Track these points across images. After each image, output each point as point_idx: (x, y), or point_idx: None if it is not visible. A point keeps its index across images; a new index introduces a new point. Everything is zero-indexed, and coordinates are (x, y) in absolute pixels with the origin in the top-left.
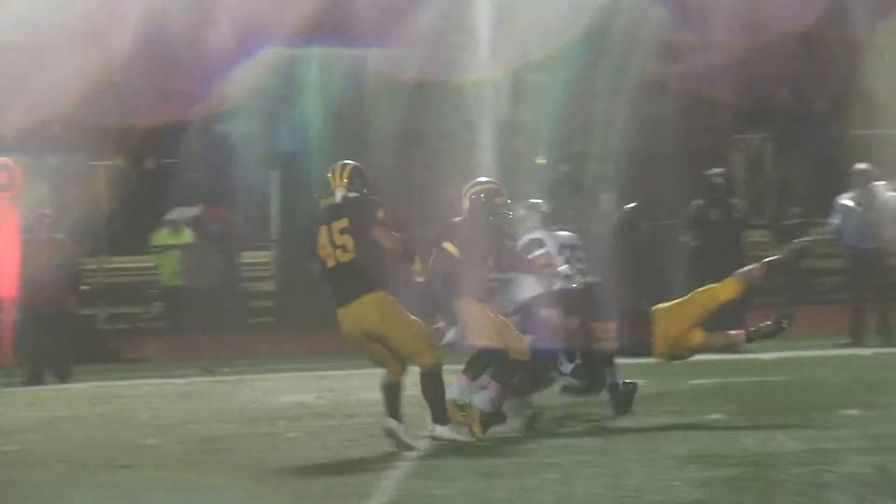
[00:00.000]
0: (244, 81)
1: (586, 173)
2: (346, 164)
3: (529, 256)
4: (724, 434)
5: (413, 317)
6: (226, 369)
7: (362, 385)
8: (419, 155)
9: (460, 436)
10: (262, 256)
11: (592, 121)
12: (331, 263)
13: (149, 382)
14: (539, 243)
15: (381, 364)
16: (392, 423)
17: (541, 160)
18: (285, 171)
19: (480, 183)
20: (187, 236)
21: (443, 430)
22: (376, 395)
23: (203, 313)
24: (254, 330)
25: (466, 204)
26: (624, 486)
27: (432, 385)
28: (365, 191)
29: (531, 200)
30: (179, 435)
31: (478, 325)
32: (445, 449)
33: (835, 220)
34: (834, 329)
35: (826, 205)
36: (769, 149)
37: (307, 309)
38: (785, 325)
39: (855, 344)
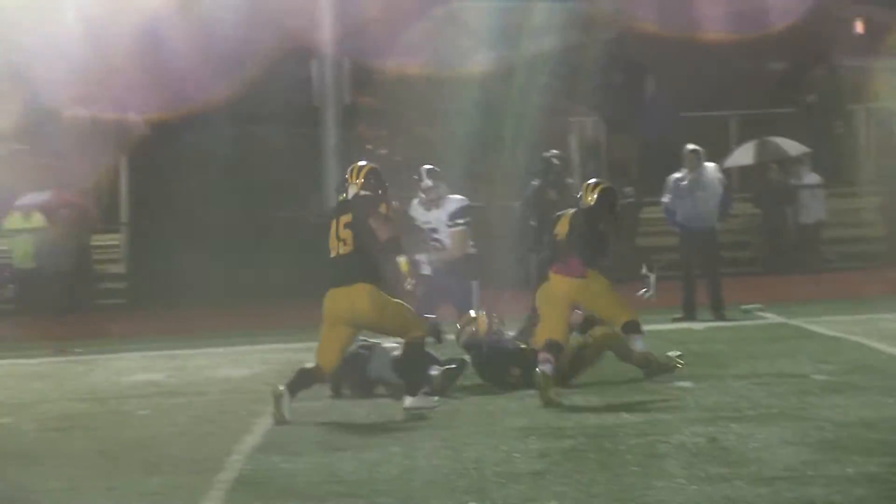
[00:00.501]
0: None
1: (430, 158)
2: (363, 166)
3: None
4: (561, 407)
5: (396, 299)
6: (78, 350)
7: (211, 364)
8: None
9: (429, 405)
10: (111, 239)
11: (435, 107)
12: (333, 254)
13: (2, 363)
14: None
15: (328, 350)
16: (285, 391)
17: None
18: (133, 155)
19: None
20: (38, 220)
21: (413, 401)
22: (225, 372)
23: (55, 295)
24: (105, 311)
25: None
26: (465, 459)
27: (417, 355)
28: (380, 191)
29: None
30: (33, 414)
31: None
32: (293, 425)
33: (665, 199)
34: (667, 304)
35: (658, 184)
36: (602, 130)
37: (157, 290)
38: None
39: (687, 318)
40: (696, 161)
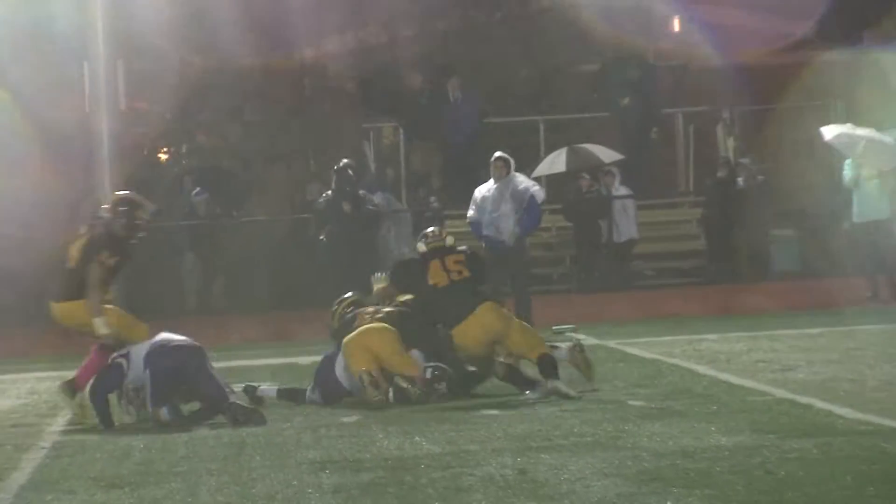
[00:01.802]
0: None
1: (212, 166)
2: None
3: None
4: (359, 438)
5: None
6: None
7: None
8: None
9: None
10: None
11: (212, 113)
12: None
13: None
14: None
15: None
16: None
17: (163, 153)
18: None
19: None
20: None
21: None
22: None
23: None
24: None
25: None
26: (254, 495)
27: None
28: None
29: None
30: None
31: None
32: (65, 459)
33: (471, 212)
34: None
35: (463, 195)
36: (401, 137)
37: None
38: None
39: None
40: (502, 170)
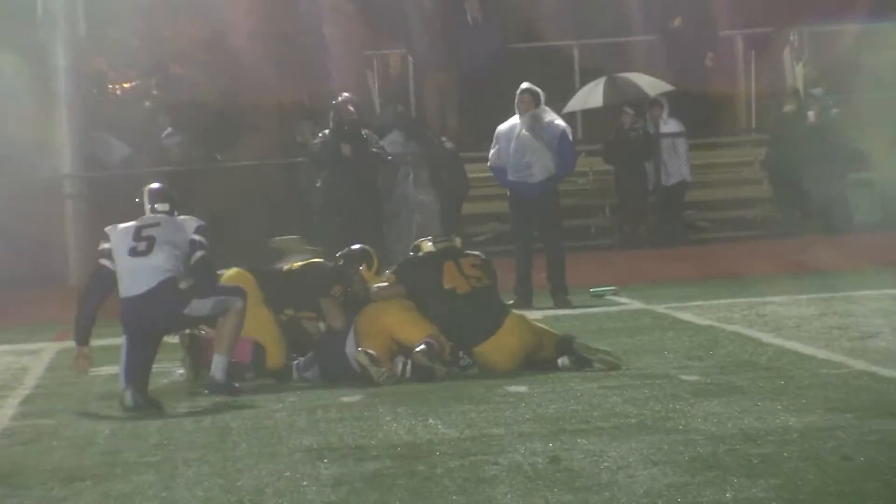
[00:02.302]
0: None
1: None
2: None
3: None
4: (363, 420)
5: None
6: None
7: None
8: None
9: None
10: None
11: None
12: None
13: None
14: None
15: None
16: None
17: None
18: None
19: None
20: None
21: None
22: None
23: None
24: None
25: None
26: (240, 489)
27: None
28: None
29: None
30: None
31: None
32: (19, 448)
33: (493, 154)
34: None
35: (483, 134)
36: (410, 67)
37: None
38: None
39: (522, 304)
40: (530, 104)
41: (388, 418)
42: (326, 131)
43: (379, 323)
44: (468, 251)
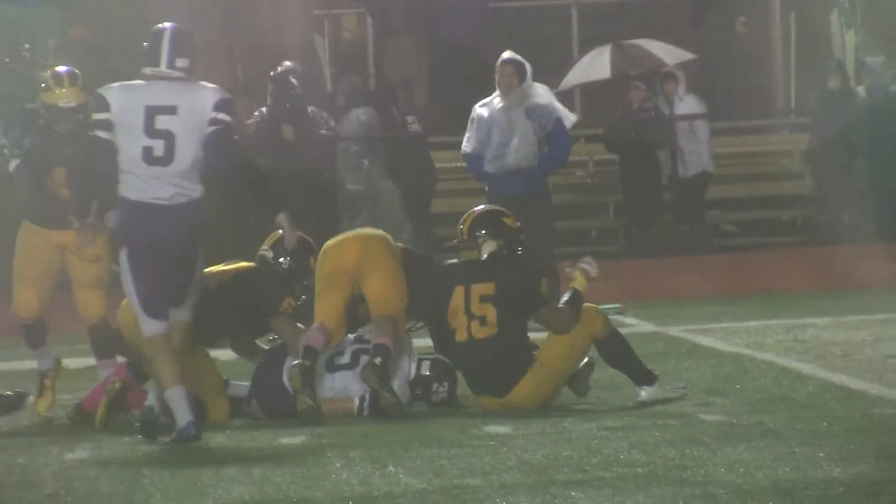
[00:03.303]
0: None
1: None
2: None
3: None
4: (307, 467)
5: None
6: None
7: None
8: None
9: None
10: None
11: None
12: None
13: None
14: None
15: None
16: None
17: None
18: None
19: None
20: None
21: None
22: None
23: None
24: None
25: None
26: None
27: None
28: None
29: None
30: None
31: None
32: None
33: (467, 140)
34: None
35: (457, 114)
36: (368, 29)
37: None
38: None
39: None
40: (513, 79)
41: (338, 465)
42: (263, 109)
43: (344, 258)
44: (491, 269)
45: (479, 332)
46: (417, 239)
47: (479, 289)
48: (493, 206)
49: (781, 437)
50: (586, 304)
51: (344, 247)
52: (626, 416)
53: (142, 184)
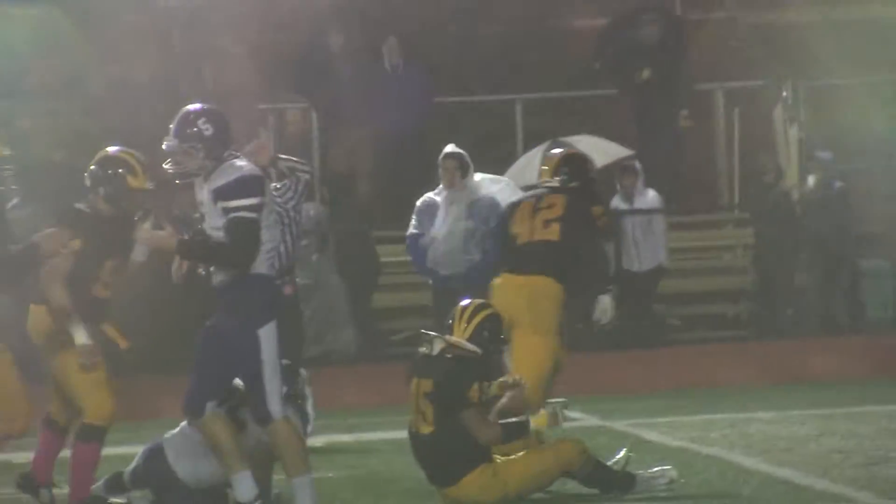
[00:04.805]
0: None
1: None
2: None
3: None
4: None
5: None
6: None
7: None
8: None
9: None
10: None
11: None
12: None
13: None
14: None
15: None
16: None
17: None
18: None
19: None
20: None
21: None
22: None
23: None
24: None
25: None
26: None
27: None
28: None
29: None
30: None
31: None
32: None
33: (413, 231)
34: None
35: (402, 207)
36: (314, 122)
37: None
38: None
39: None
40: (455, 173)
41: None
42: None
43: None
44: (433, 365)
45: (423, 428)
46: (362, 333)
47: (423, 384)
48: None
49: None
50: (566, 440)
51: None
52: None
53: None
